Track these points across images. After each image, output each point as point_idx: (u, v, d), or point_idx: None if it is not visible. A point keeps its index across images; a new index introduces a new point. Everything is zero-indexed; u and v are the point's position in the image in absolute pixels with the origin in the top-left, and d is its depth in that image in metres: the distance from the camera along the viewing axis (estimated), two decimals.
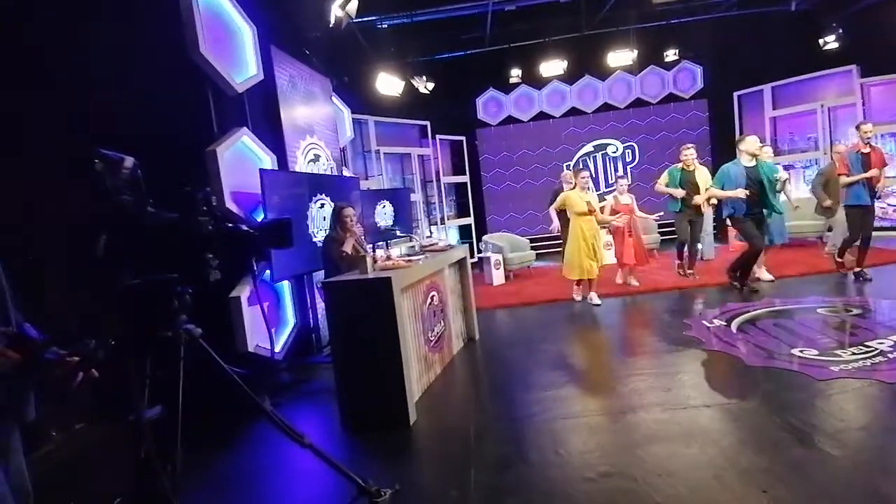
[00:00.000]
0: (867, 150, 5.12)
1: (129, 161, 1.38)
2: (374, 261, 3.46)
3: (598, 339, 4.61)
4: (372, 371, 2.99)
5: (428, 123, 9.43)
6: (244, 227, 1.61)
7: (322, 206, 4.79)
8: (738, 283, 5.33)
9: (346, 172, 6.24)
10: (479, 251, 8.80)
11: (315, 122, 5.35)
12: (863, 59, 8.09)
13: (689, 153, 5.77)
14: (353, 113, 7.06)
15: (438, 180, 9.65)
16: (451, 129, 9.94)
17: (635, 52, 8.85)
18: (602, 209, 5.67)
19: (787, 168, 7.98)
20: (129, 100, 3.25)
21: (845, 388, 2.82)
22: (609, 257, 7.64)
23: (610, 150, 10.50)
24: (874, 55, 7.93)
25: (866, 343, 3.40)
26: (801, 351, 3.44)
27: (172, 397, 1.54)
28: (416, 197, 9.00)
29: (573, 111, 10.42)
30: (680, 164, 5.85)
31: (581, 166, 10.04)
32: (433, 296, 3.88)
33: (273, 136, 4.51)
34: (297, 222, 4.36)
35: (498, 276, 7.35)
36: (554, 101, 10.39)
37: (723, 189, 5.06)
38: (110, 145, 1.46)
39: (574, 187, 5.31)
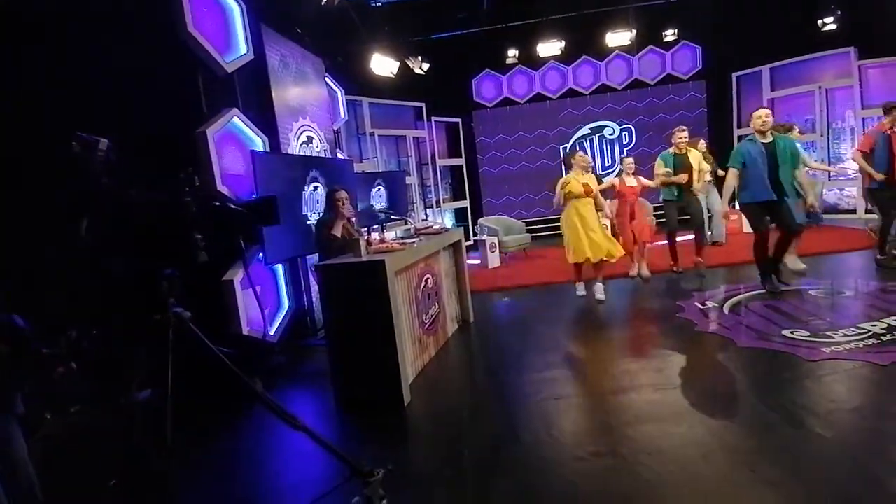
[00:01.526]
0: (892, 131, 4.76)
1: (104, 143, 1.34)
2: (369, 244, 3.44)
3: (592, 320, 4.62)
4: (366, 353, 3.00)
5: (423, 105, 9.32)
6: (231, 205, 1.59)
7: (316, 188, 4.75)
8: (771, 279, 4.58)
9: (339, 155, 6.18)
10: (475, 234, 8.78)
11: (308, 104, 5.27)
12: (861, 40, 8.00)
13: (683, 136, 5.64)
14: (346, 94, 6.95)
15: (434, 163, 9.59)
16: (447, 111, 9.82)
17: (634, 31, 8.71)
18: (603, 192, 5.39)
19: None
20: (117, 81, 3.19)
21: (836, 370, 2.85)
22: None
23: (607, 132, 10.42)
24: (872, 37, 7.83)
25: (859, 325, 3.43)
26: (792, 332, 3.46)
27: (163, 380, 1.54)
28: (412, 180, 8.95)
29: (570, 92, 10.31)
30: (671, 149, 5.73)
31: (577, 149, 9.97)
32: (427, 278, 3.88)
33: (264, 117, 4.44)
34: (291, 205, 4.33)
35: (493, 259, 7.35)
36: (551, 83, 10.26)
37: (743, 168, 4.43)
38: (98, 129, 1.43)
39: (570, 169, 5.19)
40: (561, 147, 10.40)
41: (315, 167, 4.79)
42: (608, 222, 6.27)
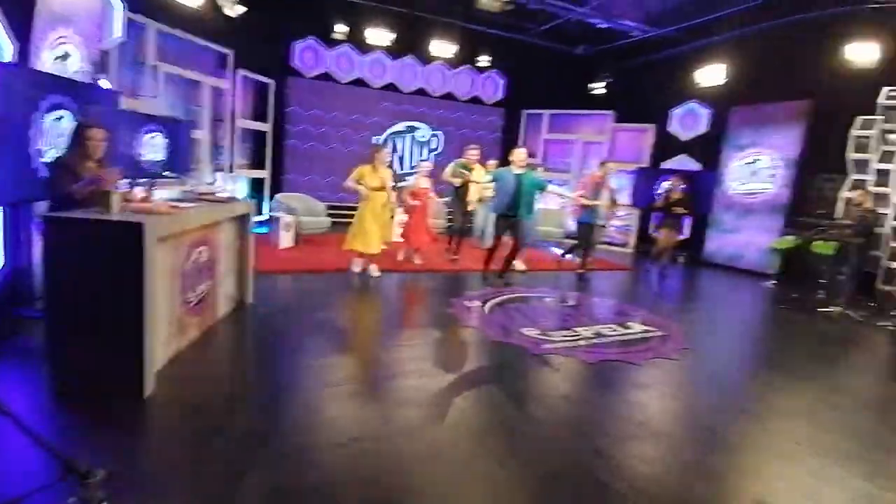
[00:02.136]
0: (602, 181, 6.66)
1: None
2: (126, 200, 2.84)
3: (373, 310, 4.82)
4: (98, 332, 2.46)
5: (231, 53, 8.20)
6: None
7: (60, 118, 3.69)
8: (492, 273, 6.05)
9: (103, 83, 4.94)
10: (271, 210, 8.16)
11: (75, 12, 4.06)
12: (619, 106, 10.32)
13: (474, 154, 6.61)
14: (128, 11, 5.62)
15: (233, 122, 8.53)
16: (259, 68, 8.87)
17: (456, 47, 9.40)
18: (401, 190, 5.90)
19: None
20: None
21: (555, 363, 3.58)
22: (395, 237, 8.10)
23: (419, 134, 10.97)
24: (627, 105, 10.20)
25: (574, 329, 4.39)
26: (527, 330, 4.23)
27: None
28: (201, 135, 7.78)
29: (392, 87, 10.49)
30: (463, 160, 6.62)
31: (385, 143, 10.25)
32: (201, 251, 3.42)
33: (21, 19, 3.28)
34: (17, 133, 3.28)
35: (286, 239, 6.96)
36: (375, 71, 10.26)
37: (494, 188, 5.84)
38: None
39: (372, 162, 5.37)
40: (374, 137, 10.51)
41: (63, 91, 3.72)
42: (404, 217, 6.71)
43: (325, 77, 9.90)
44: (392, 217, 6.72)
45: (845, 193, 6.80)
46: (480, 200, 6.71)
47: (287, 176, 9.88)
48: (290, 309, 4.44)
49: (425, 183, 6.34)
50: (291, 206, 7.22)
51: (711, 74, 8.17)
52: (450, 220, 6.94)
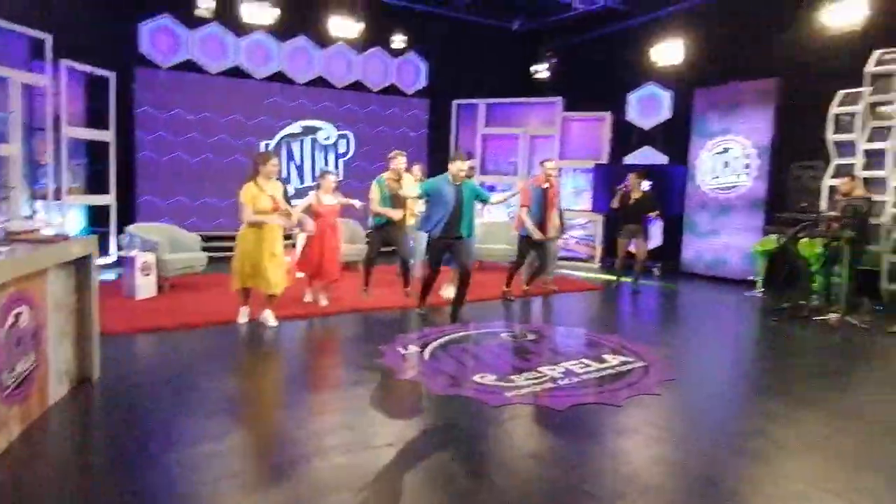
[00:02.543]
0: (547, 185, 6.90)
1: None
2: None
3: (277, 371, 4.68)
4: None
5: (49, 38, 7.74)
6: None
7: None
8: (420, 308, 6.25)
9: None
10: (120, 247, 7.69)
11: None
12: (568, 92, 10.89)
13: (401, 161, 6.60)
14: None
15: (58, 130, 8.01)
16: (91, 57, 8.44)
17: (362, 25, 9.52)
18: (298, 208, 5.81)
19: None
20: None
21: (517, 414, 3.61)
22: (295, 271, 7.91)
23: (321, 135, 10.93)
24: (578, 90, 10.79)
25: (539, 369, 4.47)
26: (482, 377, 4.25)
27: None
28: (11, 150, 7.22)
29: (280, 77, 10.42)
30: (388, 173, 6.60)
31: (275, 150, 10.11)
32: (19, 314, 3.14)
33: None
34: None
35: (146, 286, 6.58)
36: (257, 58, 10.15)
37: (427, 203, 5.89)
38: None
39: (256, 176, 5.27)
40: (264, 143, 10.31)
41: None
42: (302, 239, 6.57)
43: (189, 66, 9.66)
44: (293, 245, 6.58)
45: (829, 181, 7.56)
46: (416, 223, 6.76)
47: (142, 200, 9.43)
48: (156, 382, 4.14)
49: (331, 199, 6.26)
50: (150, 241, 6.85)
51: (669, 51, 8.89)
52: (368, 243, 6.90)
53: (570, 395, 3.97)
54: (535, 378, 4.27)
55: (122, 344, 4.84)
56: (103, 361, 4.09)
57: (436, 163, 10.54)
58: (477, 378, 4.22)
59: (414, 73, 11.67)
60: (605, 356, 4.85)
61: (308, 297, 6.45)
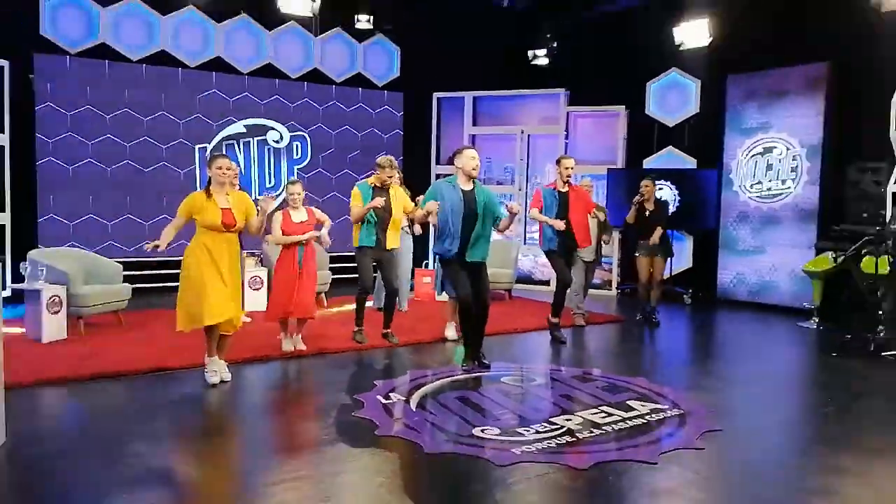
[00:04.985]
0: (566, 188, 6.96)
1: None
2: None
3: (231, 431, 4.65)
4: None
5: None
6: None
7: None
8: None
9: None
10: (20, 278, 7.61)
11: None
12: (574, 81, 11.13)
13: (387, 169, 6.63)
14: None
15: None
16: None
17: (317, 1, 9.68)
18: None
19: None
20: None
21: (528, 475, 3.63)
22: (255, 301, 7.91)
23: (271, 136, 10.98)
24: (585, 79, 11.03)
25: (551, 419, 4.51)
26: (483, 430, 4.28)
27: None
28: None
29: (219, 64, 10.49)
30: (372, 179, 6.66)
31: (222, 153, 10.11)
32: None
33: None
34: None
35: (54, 327, 6.52)
36: (188, 42, 10.22)
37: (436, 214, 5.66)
38: None
39: (208, 185, 5.30)
40: (198, 147, 10.32)
41: None
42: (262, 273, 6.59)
43: (102, 52, 9.69)
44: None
45: (895, 187, 7.79)
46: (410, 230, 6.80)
47: (43, 218, 9.34)
48: (76, 446, 4.11)
49: (302, 215, 6.29)
50: (58, 270, 6.81)
51: (696, 31, 9.16)
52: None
53: (593, 450, 4.00)
54: (548, 430, 4.31)
55: (28, 398, 4.81)
56: (7, 421, 4.06)
57: (412, 171, 10.68)
58: (477, 431, 4.25)
59: (385, 61, 11.84)
60: (631, 403, 4.92)
61: (286, 346, 6.36)
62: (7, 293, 8.28)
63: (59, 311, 6.60)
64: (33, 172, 9.28)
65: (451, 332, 6.98)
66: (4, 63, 8.81)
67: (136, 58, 9.91)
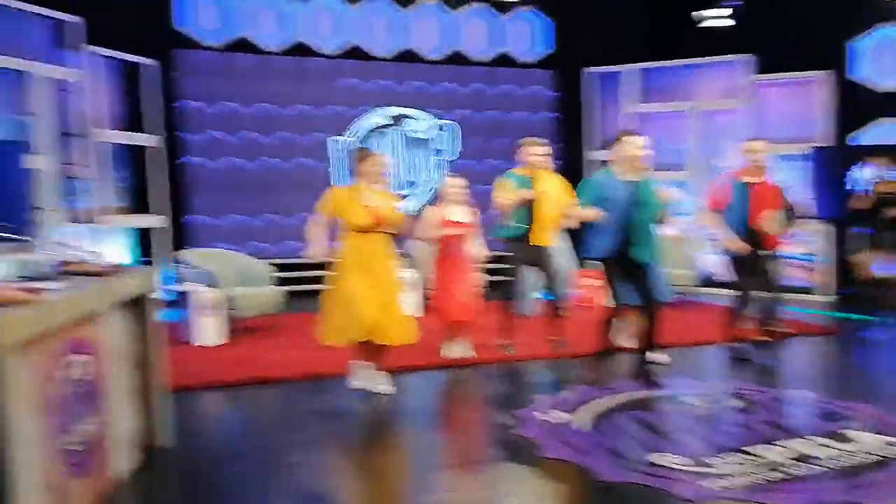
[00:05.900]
0: (754, 179, 6.30)
1: None
2: None
3: (383, 443, 4.77)
4: None
5: (79, 22, 8.46)
6: None
7: None
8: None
9: None
10: (173, 280, 8.21)
11: None
12: (761, 45, 10.28)
13: (538, 155, 6.36)
14: None
15: (91, 136, 8.67)
16: (122, 41, 9.10)
17: None
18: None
19: None
20: None
21: None
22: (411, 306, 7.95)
23: (412, 126, 11.10)
24: (774, 42, 10.19)
25: (749, 449, 4.19)
26: (662, 457, 4.05)
27: None
28: (43, 162, 7.91)
29: (356, 52, 10.76)
30: (521, 168, 6.45)
31: (369, 147, 10.37)
32: (81, 363, 3.40)
33: None
34: None
35: (212, 330, 6.98)
36: (323, 29, 10.55)
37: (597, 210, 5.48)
38: None
39: (356, 180, 5.38)
40: (334, 138, 10.63)
41: None
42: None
43: (240, 46, 10.19)
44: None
45: None
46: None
47: (192, 218, 9.97)
48: (237, 451, 4.39)
49: (459, 215, 6.30)
50: (208, 272, 7.25)
51: None
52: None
53: (807, 490, 3.70)
54: (748, 462, 4.04)
55: (188, 401, 5.11)
56: (175, 423, 4.40)
57: (567, 157, 10.48)
58: (656, 458, 4.06)
59: (532, 36, 11.65)
60: (852, 433, 4.51)
61: (449, 352, 6.42)
62: (163, 295, 8.95)
63: (217, 315, 6.99)
64: (177, 171, 9.91)
65: (621, 339, 6.60)
66: (149, 62, 9.42)
67: (273, 50, 10.33)
